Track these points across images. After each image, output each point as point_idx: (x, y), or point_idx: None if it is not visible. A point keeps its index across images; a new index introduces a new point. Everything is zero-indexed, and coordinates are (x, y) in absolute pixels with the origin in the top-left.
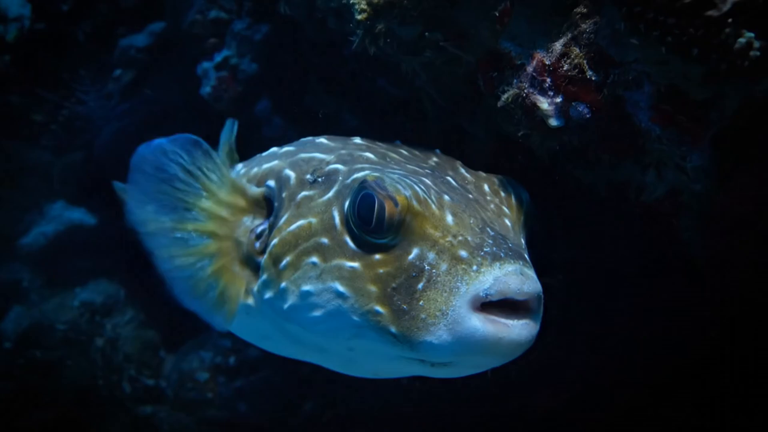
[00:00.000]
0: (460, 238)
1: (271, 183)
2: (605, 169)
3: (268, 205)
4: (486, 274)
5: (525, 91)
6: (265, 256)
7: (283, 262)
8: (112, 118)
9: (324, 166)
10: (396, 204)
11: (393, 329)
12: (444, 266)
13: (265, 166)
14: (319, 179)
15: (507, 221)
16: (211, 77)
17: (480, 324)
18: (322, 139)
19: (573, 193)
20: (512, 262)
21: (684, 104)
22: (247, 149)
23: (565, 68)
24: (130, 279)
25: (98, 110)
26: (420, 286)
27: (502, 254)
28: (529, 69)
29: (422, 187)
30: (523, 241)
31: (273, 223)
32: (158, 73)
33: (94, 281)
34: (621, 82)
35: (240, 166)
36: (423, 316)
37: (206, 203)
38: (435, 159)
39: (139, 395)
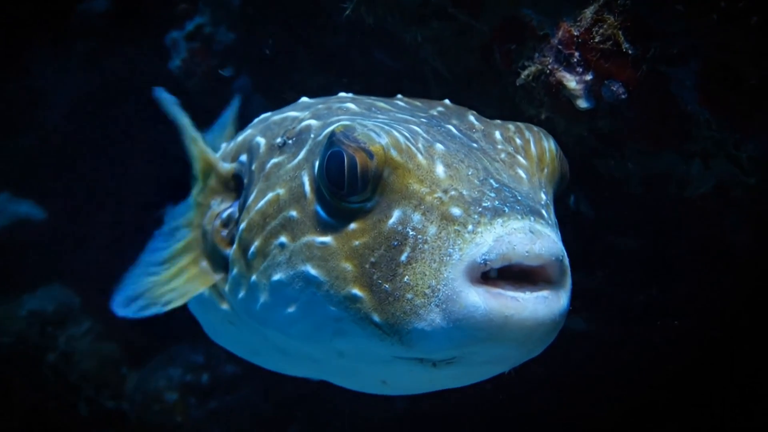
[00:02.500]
0: (452, 192)
1: (243, 157)
2: (642, 160)
3: (239, 185)
4: (484, 234)
5: (549, 66)
6: (234, 246)
7: (251, 250)
8: (68, 95)
9: (296, 124)
10: (370, 155)
11: (376, 317)
12: (432, 229)
13: (239, 138)
14: (290, 141)
15: (521, 172)
16: (182, 49)
17: (480, 299)
18: (303, 98)
19: (603, 186)
20: (519, 217)
21: (738, 84)
22: None
23: (596, 40)
24: (86, 283)
25: (52, 85)
26: (403, 257)
27: (506, 209)
28: (554, 41)
29: (405, 133)
30: (543, 196)
31: (242, 205)
32: (121, 44)
33: (44, 286)
34: (663, 57)
35: (224, 144)
36: (409, 296)
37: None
38: (440, 109)
39: (98, 419)
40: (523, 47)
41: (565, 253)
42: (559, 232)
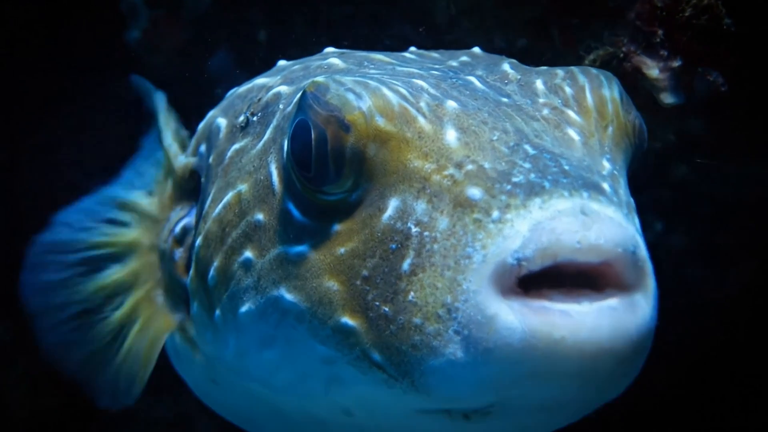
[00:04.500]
0: (469, 167)
1: (203, 147)
2: (743, 174)
3: (198, 186)
4: (515, 222)
5: (623, 49)
6: (191, 270)
7: (211, 273)
8: None
9: (263, 94)
10: (345, 127)
11: (376, 355)
12: (443, 222)
13: (201, 123)
14: (254, 117)
15: (572, 132)
16: (143, 16)
17: (516, 318)
18: (280, 62)
19: (686, 204)
20: (566, 194)
21: None
22: (195, 123)
23: (687, 14)
24: (22, 314)
25: None
26: (406, 265)
27: (545, 183)
28: (631, 15)
29: (402, 90)
30: (607, 163)
31: (198, 212)
32: (63, 10)
33: None
34: None
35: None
36: (417, 321)
37: (135, 194)
38: (464, 58)
39: None
40: (589, 23)
41: (642, 243)
42: (633, 215)
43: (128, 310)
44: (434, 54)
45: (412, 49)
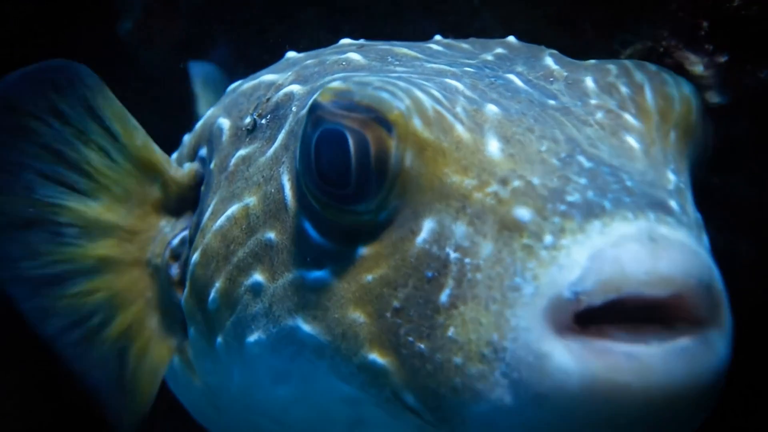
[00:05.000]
0: (516, 183)
1: (203, 150)
2: None
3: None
4: (572, 249)
5: (664, 43)
6: (185, 290)
7: (212, 296)
8: None
9: (272, 93)
10: (388, 128)
11: (410, 398)
12: (487, 247)
13: (199, 123)
14: (263, 120)
15: (631, 139)
16: (136, 7)
17: (572, 360)
18: (289, 53)
19: (734, 219)
20: (630, 216)
21: None
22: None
23: (735, 5)
24: (5, 327)
25: None
26: (444, 297)
27: (606, 203)
28: (672, 5)
29: (435, 92)
30: (672, 176)
31: (195, 224)
32: (62, 9)
33: None
34: None
35: (186, 137)
36: (458, 360)
37: (86, 204)
38: (499, 50)
39: None
40: (626, 14)
41: (716, 271)
42: (703, 235)
43: (115, 337)
44: (464, 45)
45: (438, 38)
